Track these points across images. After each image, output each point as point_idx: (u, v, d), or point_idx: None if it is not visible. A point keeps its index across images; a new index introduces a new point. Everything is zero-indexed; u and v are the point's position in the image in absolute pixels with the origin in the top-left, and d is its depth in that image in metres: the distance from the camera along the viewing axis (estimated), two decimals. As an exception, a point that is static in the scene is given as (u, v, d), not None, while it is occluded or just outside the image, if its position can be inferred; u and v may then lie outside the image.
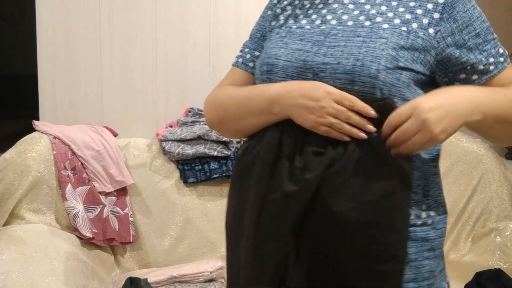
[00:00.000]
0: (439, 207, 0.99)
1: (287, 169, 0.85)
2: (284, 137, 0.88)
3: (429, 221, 0.95)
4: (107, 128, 2.29)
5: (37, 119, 2.30)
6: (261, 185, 0.87)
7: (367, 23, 0.91)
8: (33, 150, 2.00)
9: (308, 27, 0.97)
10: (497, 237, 2.27)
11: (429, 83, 0.94)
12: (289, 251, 0.85)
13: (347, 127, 0.83)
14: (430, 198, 0.96)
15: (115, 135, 2.29)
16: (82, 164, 2.08)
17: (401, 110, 0.81)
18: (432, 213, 0.96)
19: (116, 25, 2.33)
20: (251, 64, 1.08)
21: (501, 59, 0.93)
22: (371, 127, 0.84)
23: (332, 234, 0.83)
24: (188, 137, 2.23)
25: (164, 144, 2.24)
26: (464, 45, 0.90)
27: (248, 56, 1.09)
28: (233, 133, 1.05)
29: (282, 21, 1.03)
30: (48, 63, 2.29)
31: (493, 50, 0.92)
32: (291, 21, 1.02)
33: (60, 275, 1.62)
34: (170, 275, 2.05)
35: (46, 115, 2.32)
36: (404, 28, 0.89)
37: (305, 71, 0.91)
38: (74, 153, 2.07)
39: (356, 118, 0.84)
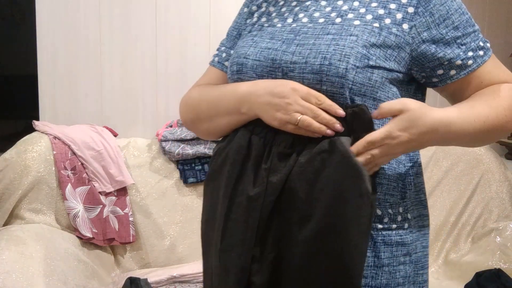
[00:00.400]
0: (415, 209, 0.93)
1: (253, 172, 0.83)
2: (254, 138, 0.86)
3: (406, 225, 0.90)
4: (107, 128, 2.29)
5: (37, 119, 2.30)
6: (229, 188, 0.85)
7: (338, 20, 0.87)
8: (33, 150, 2.00)
9: (279, 25, 0.94)
10: (497, 237, 2.27)
11: (409, 80, 0.91)
12: (254, 257, 0.82)
13: (316, 124, 0.80)
14: (407, 200, 0.91)
15: (115, 135, 2.29)
16: (82, 164, 2.08)
17: (374, 142, 0.78)
18: (409, 216, 0.91)
19: (116, 25, 2.33)
20: (226, 63, 1.05)
21: (481, 53, 0.88)
22: (339, 126, 0.80)
23: (292, 240, 0.80)
24: (188, 137, 2.23)
25: (164, 144, 2.24)
26: (441, 39, 0.86)
27: (224, 55, 1.06)
28: (205, 134, 1.02)
29: (255, 19, 1.01)
30: (48, 63, 2.29)
31: (472, 44, 0.87)
32: (263, 19, 0.99)
33: (60, 275, 1.62)
34: (170, 275, 2.05)
35: (46, 115, 2.32)
36: (376, 24, 0.85)
37: (275, 70, 0.88)
38: (74, 153, 2.07)
39: (324, 116, 0.80)
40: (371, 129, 0.80)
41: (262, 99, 0.84)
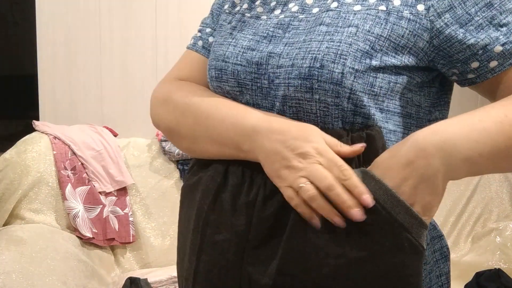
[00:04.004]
0: (435, 237, 0.75)
1: (230, 204, 0.69)
2: (231, 168, 0.71)
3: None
4: (107, 128, 2.29)
5: (37, 119, 2.30)
6: (200, 221, 0.71)
7: (334, 4, 0.69)
8: (33, 150, 2.00)
9: (264, 17, 0.75)
10: (497, 237, 2.27)
11: (430, 80, 0.71)
12: None
13: (320, 201, 0.61)
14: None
15: (115, 135, 2.29)
16: (82, 164, 2.08)
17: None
18: (424, 245, 0.72)
19: (116, 25, 2.33)
20: None
21: None
22: (358, 214, 0.60)
23: None
24: (188, 137, 2.23)
25: (164, 144, 2.24)
26: (469, 21, 0.65)
27: (210, 38, 0.86)
28: (183, 150, 0.82)
29: (238, 6, 0.81)
30: (48, 63, 2.29)
31: None
32: (245, 5, 0.80)
33: (60, 275, 1.62)
34: (170, 275, 2.05)
35: (46, 115, 2.32)
36: (382, 7, 0.66)
37: (260, 77, 0.70)
38: (74, 153, 2.07)
39: (340, 192, 0.60)
40: None
41: (271, 145, 0.65)
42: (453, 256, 2.35)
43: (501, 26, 0.65)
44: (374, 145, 0.64)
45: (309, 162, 0.62)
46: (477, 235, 2.36)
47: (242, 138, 0.68)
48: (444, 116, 0.74)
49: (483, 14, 0.65)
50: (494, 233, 2.29)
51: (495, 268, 2.05)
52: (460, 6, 0.65)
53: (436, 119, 0.73)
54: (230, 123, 0.70)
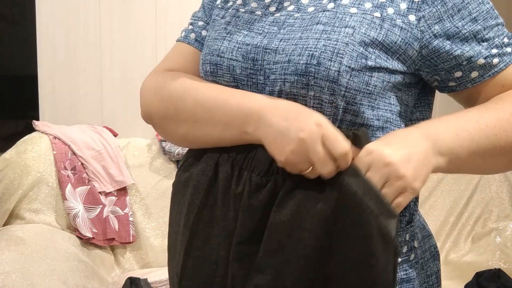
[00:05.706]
0: (419, 232, 0.77)
1: (221, 199, 0.70)
2: (223, 156, 0.72)
3: (412, 256, 0.74)
4: (107, 128, 2.29)
5: (37, 119, 2.30)
6: (191, 216, 0.72)
7: (331, 5, 0.71)
8: (33, 150, 2.00)
9: (259, 12, 0.76)
10: (497, 237, 2.27)
11: (416, 82, 0.75)
12: None
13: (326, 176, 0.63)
14: (414, 224, 0.76)
15: (115, 135, 2.29)
16: (82, 164, 2.08)
17: (358, 163, 0.63)
18: (416, 244, 0.75)
19: (116, 25, 2.33)
20: None
21: (509, 49, 0.71)
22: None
23: None
24: (188, 137, 2.23)
25: (164, 144, 2.24)
26: (456, 34, 0.69)
27: (203, 32, 0.85)
28: (178, 139, 0.80)
29: (230, 1, 0.82)
30: (48, 63, 2.29)
31: (496, 39, 0.71)
32: (239, 1, 0.80)
33: (60, 275, 1.62)
34: (170, 275, 2.05)
35: (46, 115, 2.32)
36: (377, 14, 0.69)
37: (256, 73, 0.71)
38: (74, 153, 2.07)
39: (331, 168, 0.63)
40: None
41: (275, 122, 0.65)
42: (453, 256, 2.35)
43: (483, 41, 0.70)
44: (359, 146, 0.65)
45: (312, 141, 0.62)
46: (477, 235, 2.36)
47: (247, 118, 0.68)
48: (425, 117, 0.77)
49: (469, 29, 0.69)
50: (494, 233, 2.29)
51: (495, 268, 2.06)
52: (448, 19, 0.69)
53: (417, 119, 0.76)
54: (235, 102, 0.69)
